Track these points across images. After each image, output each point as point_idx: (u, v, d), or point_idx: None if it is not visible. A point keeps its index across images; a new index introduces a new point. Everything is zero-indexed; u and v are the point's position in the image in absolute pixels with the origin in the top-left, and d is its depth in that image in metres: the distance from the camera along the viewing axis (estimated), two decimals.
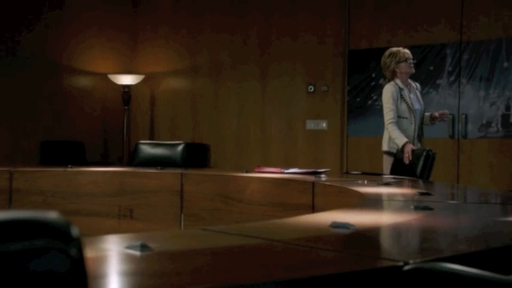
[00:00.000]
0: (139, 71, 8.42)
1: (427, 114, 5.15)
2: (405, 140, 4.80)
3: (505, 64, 6.20)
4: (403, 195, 3.28)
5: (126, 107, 8.31)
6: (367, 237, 1.87)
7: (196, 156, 7.64)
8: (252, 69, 7.74)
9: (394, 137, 4.88)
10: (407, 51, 5.08)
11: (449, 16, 6.51)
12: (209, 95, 8.06)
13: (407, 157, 4.72)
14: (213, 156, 8.00)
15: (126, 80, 8.21)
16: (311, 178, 4.27)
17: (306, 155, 7.33)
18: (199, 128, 8.12)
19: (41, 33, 7.78)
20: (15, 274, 0.77)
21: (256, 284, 1.23)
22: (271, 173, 4.78)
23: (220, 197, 4.70)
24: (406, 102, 4.97)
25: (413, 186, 3.77)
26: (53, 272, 0.80)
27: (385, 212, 2.70)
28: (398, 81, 5.02)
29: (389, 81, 5.06)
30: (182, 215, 4.89)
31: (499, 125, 6.23)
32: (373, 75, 6.93)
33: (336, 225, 1.92)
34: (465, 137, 6.41)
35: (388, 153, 4.97)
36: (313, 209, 3.87)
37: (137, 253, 1.44)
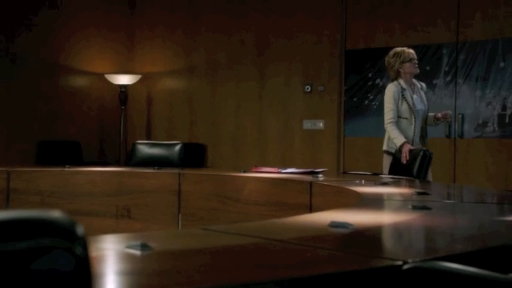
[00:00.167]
0: (136, 71, 8.42)
1: (431, 114, 5.12)
2: (403, 139, 4.81)
3: (501, 64, 6.22)
4: (401, 195, 3.29)
5: (122, 107, 8.31)
6: (366, 236, 1.88)
7: (194, 156, 7.64)
8: (249, 69, 7.74)
9: (392, 136, 4.89)
10: (411, 51, 5.05)
11: (446, 16, 6.53)
12: (206, 95, 8.07)
13: (404, 157, 4.73)
14: (210, 156, 8.00)
15: (123, 79, 8.21)
16: (308, 178, 4.28)
17: (303, 154, 7.34)
18: (196, 128, 8.12)
19: (37, 33, 7.77)
20: (21, 272, 0.78)
21: (256, 283, 1.24)
22: (268, 173, 4.79)
23: (218, 197, 4.71)
24: (408, 103, 4.95)
25: (410, 186, 3.78)
26: (59, 271, 0.80)
27: (383, 211, 2.71)
28: (401, 81, 5.00)
29: (392, 81, 5.05)
30: (180, 215, 4.90)
31: (495, 125, 6.25)
32: (370, 75, 6.94)
33: (334, 224, 1.93)
34: (461, 136, 6.43)
35: (387, 152, 4.98)
36: (311, 209, 3.88)
37: (138, 252, 1.44)
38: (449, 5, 6.49)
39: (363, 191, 3.26)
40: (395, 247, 1.89)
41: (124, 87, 8.24)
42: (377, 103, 6.79)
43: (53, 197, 5.10)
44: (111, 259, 1.44)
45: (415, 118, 4.96)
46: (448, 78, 6.50)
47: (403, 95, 4.96)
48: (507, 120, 6.20)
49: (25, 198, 5.07)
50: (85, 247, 0.84)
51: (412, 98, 4.99)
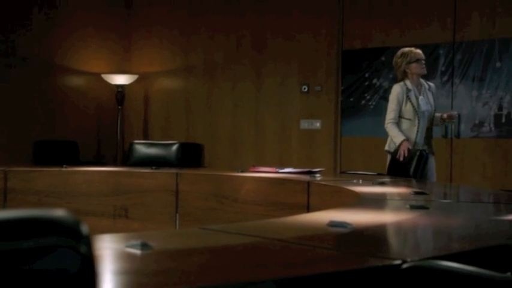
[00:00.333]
0: (133, 70, 8.42)
1: (437, 115, 5.08)
2: (403, 138, 4.81)
3: (498, 64, 6.24)
4: (398, 194, 3.30)
5: (119, 107, 8.30)
6: (365, 236, 1.89)
7: (191, 156, 7.63)
8: (246, 69, 7.75)
9: (392, 135, 4.89)
10: (419, 51, 5.01)
11: (442, 16, 6.54)
12: (203, 94, 8.07)
13: (401, 154, 4.73)
14: (207, 156, 8.00)
15: (120, 79, 8.21)
16: (306, 178, 4.29)
17: (300, 154, 7.35)
18: (193, 127, 8.12)
19: (34, 33, 7.76)
20: (27, 271, 0.79)
21: (256, 282, 1.24)
22: (266, 173, 4.79)
23: (216, 197, 4.71)
24: (412, 104, 4.91)
25: (408, 186, 3.80)
26: (64, 269, 0.81)
27: (381, 211, 2.72)
28: (407, 81, 4.96)
29: (399, 81, 5.02)
30: (177, 215, 4.90)
31: (492, 125, 6.27)
32: (367, 75, 6.95)
33: (333, 224, 1.94)
34: (458, 136, 6.44)
35: (389, 152, 4.98)
36: (308, 209, 3.89)
37: (138, 252, 1.45)
38: (446, 5, 6.51)
39: (360, 190, 3.27)
40: (394, 246, 1.90)
41: (121, 87, 8.24)
42: (374, 103, 6.80)
43: (50, 196, 5.10)
44: (111, 258, 1.44)
45: (418, 119, 4.91)
46: (445, 78, 6.52)
47: (407, 96, 4.93)
48: (503, 120, 6.21)
49: (22, 198, 5.07)
50: (90, 246, 0.84)
51: (417, 99, 4.94)
